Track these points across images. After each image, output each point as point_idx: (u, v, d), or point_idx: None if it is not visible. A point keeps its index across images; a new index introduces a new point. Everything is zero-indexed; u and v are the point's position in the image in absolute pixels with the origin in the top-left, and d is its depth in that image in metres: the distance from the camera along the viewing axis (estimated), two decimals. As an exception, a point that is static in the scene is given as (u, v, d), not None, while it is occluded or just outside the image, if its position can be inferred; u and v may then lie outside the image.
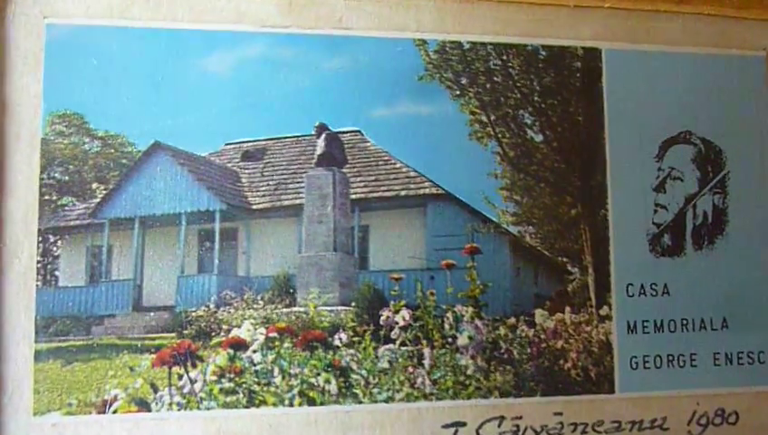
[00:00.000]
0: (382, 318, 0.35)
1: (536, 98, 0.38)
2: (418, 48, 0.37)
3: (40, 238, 0.33)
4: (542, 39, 0.38)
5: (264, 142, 0.35)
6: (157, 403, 0.33)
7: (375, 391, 0.35)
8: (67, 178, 0.34)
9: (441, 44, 0.37)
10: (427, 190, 0.36)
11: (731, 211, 0.39)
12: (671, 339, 0.38)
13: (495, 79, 0.38)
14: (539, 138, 0.38)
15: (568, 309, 0.37)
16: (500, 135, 0.37)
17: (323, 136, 0.35)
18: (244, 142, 0.35)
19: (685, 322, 0.38)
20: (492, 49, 0.38)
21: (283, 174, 0.35)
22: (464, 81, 0.37)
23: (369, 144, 0.36)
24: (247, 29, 0.35)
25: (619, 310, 0.38)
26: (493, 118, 0.37)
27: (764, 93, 0.41)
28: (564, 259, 0.37)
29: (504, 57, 0.38)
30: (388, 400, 0.35)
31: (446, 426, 0.36)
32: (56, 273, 0.33)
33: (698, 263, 0.39)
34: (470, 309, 0.36)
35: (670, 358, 0.38)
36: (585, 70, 0.38)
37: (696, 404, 0.38)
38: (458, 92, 0.37)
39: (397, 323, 0.36)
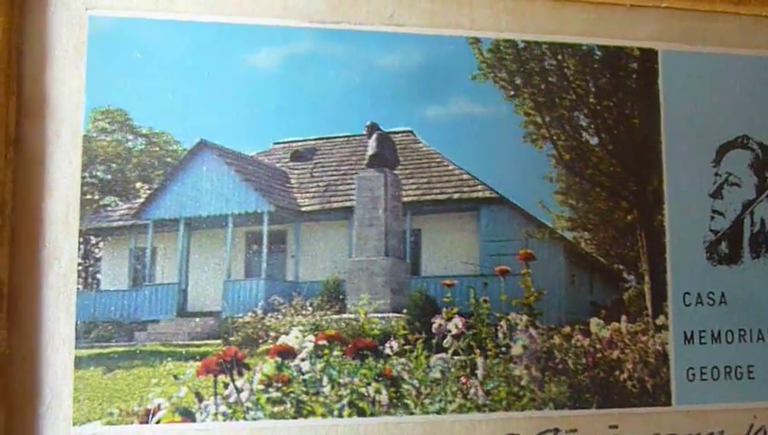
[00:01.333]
0: (434, 326, 0.34)
1: (591, 99, 0.37)
2: (472, 46, 0.36)
3: (81, 240, 0.31)
4: (597, 39, 0.37)
5: (313, 142, 0.34)
6: (201, 413, 0.32)
7: (427, 401, 0.33)
8: (110, 176, 0.32)
9: (495, 43, 0.36)
10: (480, 194, 0.35)
11: (790, 208, 0.39)
12: (729, 350, 0.37)
13: (550, 79, 0.36)
14: (594, 140, 0.37)
15: (624, 318, 0.36)
16: (555, 137, 0.36)
17: (374, 136, 0.34)
18: (293, 142, 0.34)
19: (742, 332, 0.37)
20: (547, 48, 0.36)
21: (333, 175, 0.34)
22: (518, 81, 0.36)
23: (421, 145, 0.35)
24: (296, 24, 0.34)
25: (675, 319, 0.36)
26: (548, 119, 0.36)
27: (821, 98, 0.40)
28: (620, 266, 0.36)
29: (560, 57, 0.37)
30: (440, 411, 0.34)
31: (499, 439, 0.34)
32: (98, 276, 0.32)
33: (756, 271, 0.38)
34: (524, 317, 0.35)
35: (728, 370, 0.37)
36: (641, 71, 0.37)
37: (754, 417, 0.37)
38: (513, 93, 0.36)
39: (449, 331, 0.34)
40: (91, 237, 0.32)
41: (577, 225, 0.36)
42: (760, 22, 0.39)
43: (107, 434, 0.31)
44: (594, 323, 0.36)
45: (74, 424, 0.31)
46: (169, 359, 0.32)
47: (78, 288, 0.31)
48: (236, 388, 0.32)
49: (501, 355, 0.35)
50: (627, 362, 0.36)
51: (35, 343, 0.31)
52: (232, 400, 0.32)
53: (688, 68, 0.38)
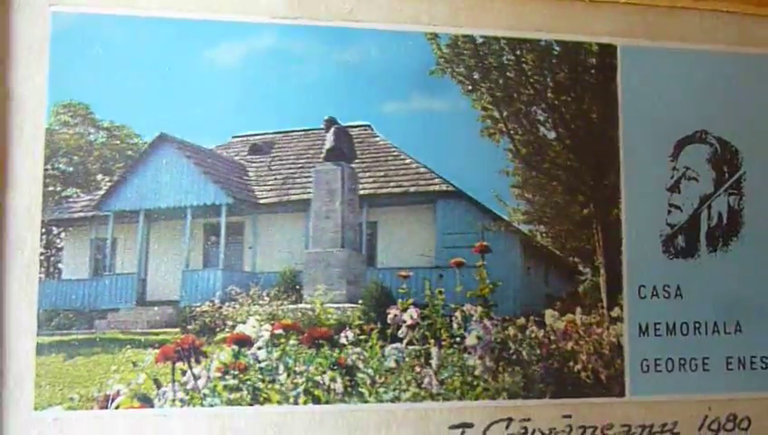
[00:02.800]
0: (389, 316, 0.35)
1: (549, 94, 0.37)
2: (430, 42, 0.36)
3: (43, 230, 0.32)
4: (556, 34, 0.38)
5: (272, 136, 0.35)
6: (160, 399, 0.33)
7: (381, 390, 0.34)
8: (71, 169, 0.33)
9: (453, 38, 0.36)
10: (436, 187, 0.36)
11: (746, 213, 0.39)
12: (683, 342, 0.37)
13: (508, 74, 0.37)
14: (552, 135, 0.37)
15: (579, 310, 0.37)
16: (512, 132, 0.37)
17: (332, 130, 0.35)
18: (251, 135, 0.35)
19: (697, 325, 0.38)
20: (505, 44, 0.37)
21: (290, 168, 0.35)
22: (476, 76, 0.37)
23: (378, 139, 0.35)
24: (256, 20, 0.35)
25: (630, 312, 0.37)
26: (505, 114, 0.37)
27: (782, 93, 0.40)
28: (576, 259, 0.37)
29: (518, 52, 0.37)
30: (395, 399, 0.34)
31: (453, 427, 0.35)
32: (59, 265, 0.33)
33: (712, 265, 0.38)
34: (479, 308, 0.36)
35: (682, 362, 0.37)
36: (600, 66, 0.38)
37: (708, 409, 0.38)
38: (470, 88, 0.36)
39: (404, 321, 0.35)
40: (54, 228, 0.33)
41: (533, 218, 0.37)
42: (720, 17, 0.39)
43: (67, 419, 0.32)
44: (549, 315, 0.36)
45: (36, 409, 0.32)
46: (129, 346, 0.33)
47: (40, 277, 0.32)
48: (194, 375, 0.33)
49: (455, 346, 0.35)
50: (581, 354, 0.36)
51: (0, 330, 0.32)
52: (189, 386, 0.33)
53: (648, 63, 0.38)
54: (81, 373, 0.32)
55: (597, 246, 0.37)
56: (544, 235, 0.37)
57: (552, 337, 0.36)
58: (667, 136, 0.38)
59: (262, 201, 0.34)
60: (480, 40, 0.37)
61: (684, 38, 0.39)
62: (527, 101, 0.37)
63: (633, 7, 0.38)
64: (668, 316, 0.37)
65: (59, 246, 0.33)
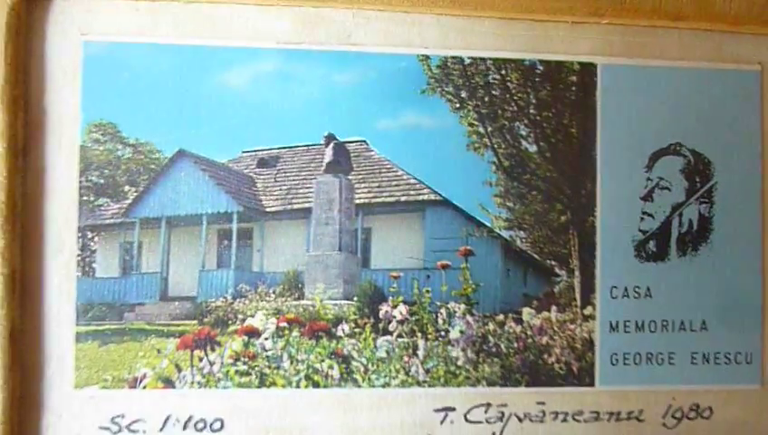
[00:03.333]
0: (381, 312, 0.39)
1: (532, 110, 0.40)
2: (422, 63, 0.39)
3: (79, 235, 0.37)
4: (539, 54, 0.40)
5: (277, 151, 0.39)
6: (180, 381, 0.38)
7: (373, 377, 0.39)
8: (102, 181, 0.38)
9: (443, 60, 0.40)
10: (425, 197, 0.40)
11: (716, 220, 0.42)
12: (651, 338, 0.41)
13: (494, 92, 0.40)
14: (533, 148, 0.40)
15: (554, 308, 0.40)
16: (496, 146, 0.40)
17: (331, 145, 0.39)
18: (259, 151, 0.39)
19: (665, 323, 0.41)
20: (491, 64, 0.40)
21: (294, 180, 0.39)
22: (463, 94, 0.40)
23: (373, 153, 0.39)
24: (263, 45, 0.39)
25: (602, 310, 0.41)
26: (489, 129, 0.40)
27: (757, 107, 0.42)
28: (552, 262, 0.40)
29: (503, 72, 0.40)
30: (385, 385, 0.39)
31: (437, 410, 0.40)
32: (94, 265, 0.38)
33: (681, 268, 0.41)
34: (462, 306, 0.40)
35: (649, 356, 0.41)
36: (580, 84, 0.41)
37: (672, 399, 0.41)
38: (458, 105, 0.40)
39: (394, 317, 0.39)
40: (88, 233, 0.38)
41: (513, 225, 0.40)
42: (698, 35, 0.42)
43: (102, 396, 0.38)
44: (526, 313, 0.40)
45: (75, 387, 0.38)
46: (153, 336, 0.38)
47: (77, 275, 0.37)
48: (209, 361, 0.38)
49: (440, 339, 0.39)
50: (555, 347, 0.40)
51: (43, 320, 0.37)
52: (206, 371, 0.38)
53: (627, 80, 0.41)
54: (114, 358, 0.38)
55: (572, 251, 0.40)
56: (524, 240, 0.40)
57: (529, 332, 0.40)
58: (642, 148, 0.41)
59: (268, 209, 0.39)
60: (468, 61, 0.40)
61: (662, 55, 0.42)
62: (510, 117, 0.40)
63: (613, 27, 0.41)
64: (638, 315, 0.41)
65: (93, 248, 0.37)
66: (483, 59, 0.40)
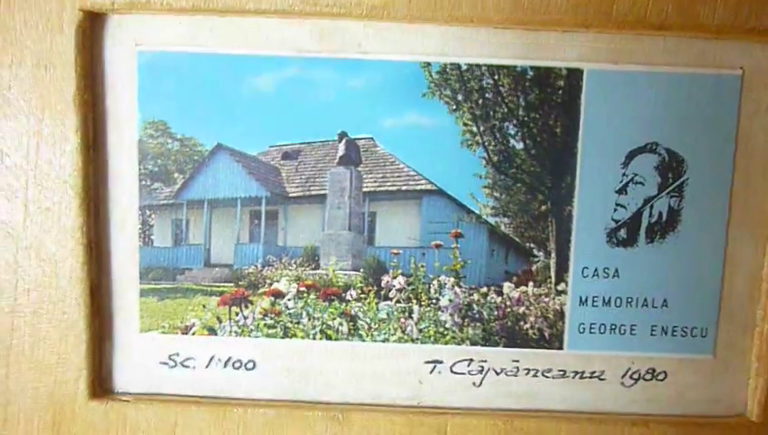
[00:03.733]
0: (383, 282, 0.47)
1: (521, 112, 0.45)
2: (423, 69, 0.45)
3: (140, 213, 0.46)
4: (530, 61, 0.45)
5: (298, 146, 0.46)
6: (221, 330, 0.47)
7: (375, 333, 0.47)
8: (156, 169, 0.46)
9: (442, 66, 0.45)
10: (423, 187, 0.46)
11: (685, 212, 0.46)
12: (616, 312, 0.47)
13: (487, 96, 0.45)
14: (520, 145, 0.46)
15: (531, 284, 0.47)
16: (486, 143, 0.46)
17: (343, 141, 0.45)
18: (283, 145, 0.46)
19: (629, 300, 0.47)
20: (486, 69, 0.45)
21: (312, 171, 0.46)
22: (459, 97, 0.45)
23: (379, 149, 0.46)
24: (286, 54, 0.45)
25: (573, 287, 0.47)
26: (482, 129, 0.45)
27: (735, 109, 0.46)
28: (531, 245, 0.47)
29: (496, 77, 0.45)
30: (385, 340, 0.47)
31: (427, 362, 0.48)
32: (152, 237, 0.47)
33: (648, 253, 0.47)
34: (451, 279, 0.47)
35: (613, 327, 0.47)
36: (567, 88, 0.45)
37: (632, 363, 0.48)
38: (454, 107, 0.45)
39: (394, 286, 0.47)
40: (147, 211, 0.46)
41: (499, 212, 0.46)
42: (683, 42, 0.45)
43: (162, 339, 0.48)
44: (506, 286, 0.47)
45: (140, 331, 0.48)
46: (199, 294, 0.47)
47: (139, 245, 0.47)
48: (243, 316, 0.47)
49: (431, 305, 0.47)
50: (530, 316, 0.47)
51: (114, 280, 0.47)
52: (240, 323, 0.47)
53: (610, 84, 0.45)
54: (169, 310, 0.47)
55: (550, 236, 0.47)
56: (507, 225, 0.46)
57: (508, 303, 0.47)
58: (620, 147, 0.46)
59: (291, 195, 0.46)
60: (465, 67, 0.45)
61: (647, 61, 0.45)
62: (501, 118, 0.46)
63: (601, 35, 0.45)
64: (605, 292, 0.47)
65: (151, 223, 0.46)
66: (478, 65, 0.45)
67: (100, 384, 0.47)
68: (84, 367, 0.46)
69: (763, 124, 0.45)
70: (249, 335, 0.47)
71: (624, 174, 0.46)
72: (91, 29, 0.44)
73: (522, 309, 0.47)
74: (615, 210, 0.46)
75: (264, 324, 0.47)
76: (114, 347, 0.47)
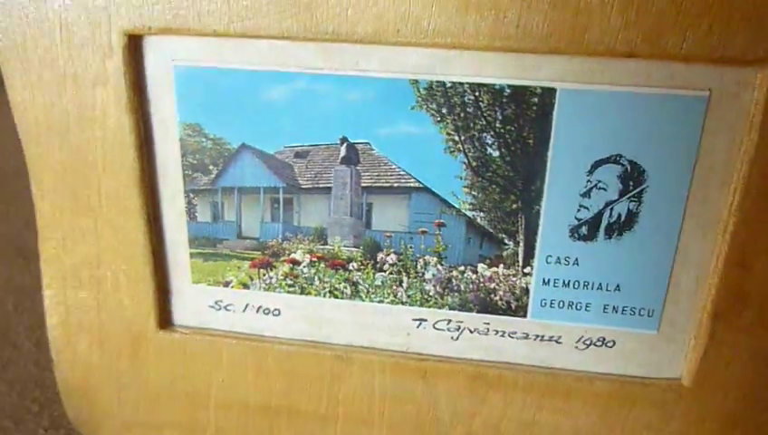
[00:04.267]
0: (378, 257, 0.57)
1: (497, 125, 0.51)
2: (412, 86, 0.51)
3: (185, 196, 0.57)
4: (507, 80, 0.50)
5: (308, 147, 0.54)
6: (252, 286, 0.60)
7: (372, 296, 0.58)
8: (195, 162, 0.56)
9: (429, 83, 0.51)
10: (411, 184, 0.54)
11: (642, 215, 0.52)
12: (574, 293, 0.55)
13: (468, 110, 0.51)
14: (496, 153, 0.52)
15: (501, 266, 0.56)
16: (467, 151, 0.52)
17: (345, 145, 0.53)
18: (295, 147, 0.54)
19: (586, 283, 0.55)
20: (467, 87, 0.51)
21: (319, 168, 0.55)
22: (444, 110, 0.51)
23: (374, 152, 0.53)
24: (296, 70, 0.52)
25: (537, 271, 0.55)
26: (463, 138, 0.52)
27: (699, 127, 0.49)
28: (503, 236, 0.55)
29: (477, 93, 0.51)
30: (380, 301, 0.58)
31: (414, 319, 0.59)
32: (196, 214, 0.58)
33: (605, 247, 0.54)
34: (435, 259, 0.56)
35: (570, 304, 0.56)
36: (540, 104, 0.50)
37: (585, 332, 0.57)
38: (439, 119, 0.52)
39: (387, 261, 0.57)
40: (191, 194, 0.57)
41: (476, 208, 0.54)
42: (652, 64, 0.48)
43: (208, 289, 0.61)
44: (480, 267, 0.56)
45: (192, 283, 0.61)
46: (234, 259, 0.59)
47: (187, 220, 0.58)
48: (269, 277, 0.59)
49: (418, 277, 0.57)
50: (500, 291, 0.56)
51: (169, 246, 0.60)
52: (267, 282, 0.59)
53: (581, 102, 0.50)
54: (212, 269, 0.60)
55: (519, 229, 0.54)
56: (482, 219, 0.54)
57: (481, 279, 0.56)
58: (587, 157, 0.51)
59: (302, 187, 0.56)
60: (449, 84, 0.51)
61: (616, 82, 0.49)
62: (480, 129, 0.52)
63: (576, 57, 0.49)
64: (566, 276, 0.55)
65: (194, 204, 0.57)
66: (461, 83, 0.51)
67: (164, 320, 0.62)
68: (152, 308, 0.60)
69: (725, 141, 0.49)
70: (274, 291, 0.60)
71: (589, 180, 0.52)
72: (135, 48, 0.53)
73: (493, 285, 0.56)
74: (578, 210, 0.53)
75: (286, 283, 0.59)
76: (173, 294, 0.61)
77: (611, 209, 0.53)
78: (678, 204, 0.52)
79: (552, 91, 0.50)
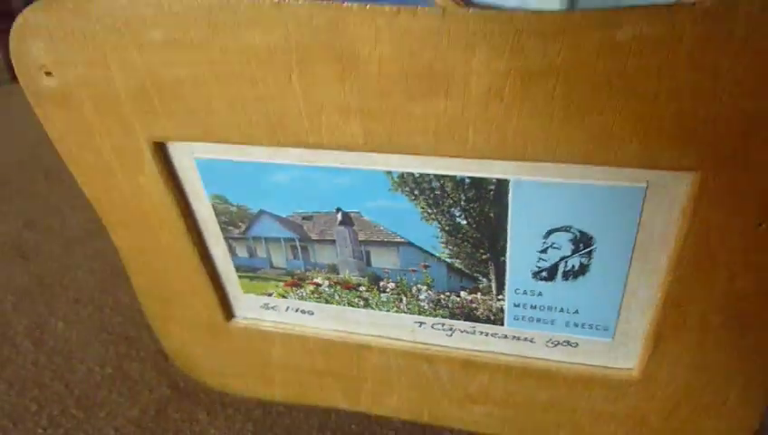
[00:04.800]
0: (380, 284, 0.70)
1: (462, 203, 0.59)
2: (387, 175, 0.60)
3: (225, 241, 0.71)
4: (466, 173, 0.57)
5: (311, 213, 0.66)
6: (288, 297, 0.76)
7: (381, 307, 0.73)
8: (228, 220, 0.70)
9: (401, 174, 0.59)
10: (398, 240, 0.65)
11: (592, 265, 0.61)
12: (541, 313, 0.67)
13: (436, 192, 0.59)
14: (464, 222, 0.61)
15: (479, 293, 0.67)
16: (439, 220, 0.61)
17: (340, 213, 0.64)
18: (302, 212, 0.66)
19: (550, 307, 0.66)
20: (433, 177, 0.58)
21: (323, 227, 0.66)
22: (416, 192, 0.60)
23: (365, 218, 0.64)
24: (294, 163, 0.62)
25: (509, 298, 0.66)
26: (435, 211, 0.61)
27: (639, 208, 0.55)
28: (478, 275, 0.66)
29: (441, 181, 0.58)
30: (387, 311, 0.73)
31: (415, 322, 0.74)
32: (236, 252, 0.73)
33: (564, 285, 0.63)
34: (425, 287, 0.69)
35: (538, 319, 0.68)
36: (497, 190, 0.57)
37: (552, 336, 0.69)
38: (413, 198, 0.61)
39: (388, 287, 0.70)
40: (230, 240, 0.72)
41: (453, 256, 0.64)
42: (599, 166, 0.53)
43: (257, 298, 0.78)
44: (462, 293, 0.68)
45: (243, 293, 0.78)
46: (272, 280, 0.75)
47: (230, 256, 0.73)
48: (300, 292, 0.75)
49: (414, 297, 0.70)
50: (480, 309, 0.69)
51: (222, 272, 0.76)
52: (298, 296, 0.75)
53: (533, 189, 0.56)
54: (256, 286, 0.76)
55: (491, 271, 0.65)
56: (460, 263, 0.65)
57: (464, 302, 0.68)
58: (542, 226, 0.59)
59: (313, 238, 0.68)
60: (417, 175, 0.59)
61: (563, 175, 0.55)
62: (448, 205, 0.60)
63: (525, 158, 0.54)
64: (533, 302, 0.66)
65: (233, 246, 0.72)
66: (427, 174, 0.58)
67: (229, 314, 0.81)
68: (217, 307, 0.79)
69: (662, 219, 0.56)
70: (305, 301, 0.76)
71: (544, 242, 0.61)
72: (161, 149, 0.64)
73: (474, 305, 0.69)
74: (538, 261, 0.62)
75: (314, 297, 0.75)
76: (232, 298, 0.79)
77: (566, 262, 0.62)
78: (624, 260, 0.60)
79: (505, 181, 0.57)
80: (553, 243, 0.60)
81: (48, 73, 0.60)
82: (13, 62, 0.58)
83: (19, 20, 0.57)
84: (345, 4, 0.49)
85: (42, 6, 0.55)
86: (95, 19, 0.54)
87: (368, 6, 0.48)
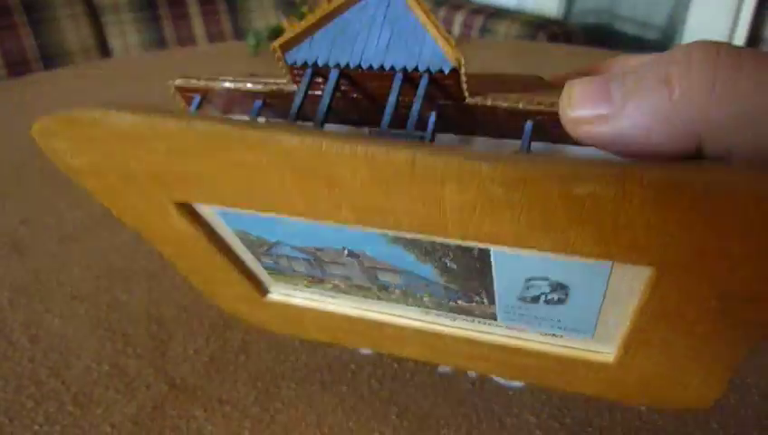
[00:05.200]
0: (389, 289, 0.80)
1: (450, 255, 0.66)
2: (382, 234, 0.66)
3: (253, 257, 0.81)
4: (452, 242, 0.63)
5: (321, 247, 0.74)
6: (312, 288, 0.87)
7: (390, 305, 0.83)
8: (250, 244, 0.79)
9: (394, 236, 0.66)
10: (399, 269, 0.74)
11: (570, 300, 0.68)
12: (528, 319, 0.76)
13: (427, 248, 0.66)
14: (455, 267, 0.68)
15: (474, 302, 0.77)
16: (433, 264, 0.69)
17: (346, 251, 0.73)
18: (312, 246, 0.75)
19: (536, 317, 0.75)
20: (422, 239, 0.65)
21: (333, 256, 0.75)
22: (410, 246, 0.67)
23: (369, 255, 0.72)
24: (296, 219, 0.69)
25: (500, 310, 0.76)
26: (428, 258, 0.68)
27: (607, 274, 0.61)
28: (472, 295, 0.74)
29: (431, 242, 0.65)
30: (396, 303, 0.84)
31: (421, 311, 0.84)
32: (263, 260, 0.83)
33: (547, 307, 0.72)
34: (427, 296, 0.78)
35: (528, 322, 0.77)
36: (479, 253, 0.64)
37: (541, 332, 0.79)
38: (408, 249, 0.68)
39: (395, 292, 0.80)
40: (259, 256, 0.82)
41: (449, 283, 0.73)
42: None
43: (284, 284, 0.89)
44: (460, 302, 0.77)
45: (273, 283, 0.89)
46: (296, 278, 0.85)
47: (257, 263, 0.83)
48: (321, 288, 0.86)
49: (418, 299, 0.80)
50: (475, 312, 0.79)
51: (252, 268, 0.86)
52: (321, 288, 0.86)
53: (512, 254, 0.62)
54: (283, 279, 0.87)
55: (483, 294, 0.73)
56: (455, 287, 0.74)
57: (462, 308, 0.78)
58: (521, 276, 0.66)
59: (326, 261, 0.78)
60: (409, 237, 0.65)
61: (539, 249, 0.60)
62: (439, 256, 0.67)
63: (501, 239, 0.60)
64: (522, 313, 0.75)
65: (260, 258, 0.83)
66: (418, 239, 0.65)
67: (264, 292, 0.93)
68: (251, 288, 0.92)
69: (628, 284, 0.62)
70: (328, 292, 0.87)
71: (526, 283, 0.68)
72: (183, 205, 0.72)
73: (470, 308, 0.79)
74: (522, 293, 0.71)
75: (334, 291, 0.86)
76: (264, 283, 0.91)
77: (545, 295, 0.69)
78: (597, 300, 0.67)
79: (486, 249, 0.63)
80: (533, 285, 0.68)
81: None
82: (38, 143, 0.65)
83: (35, 127, 0.62)
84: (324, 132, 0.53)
85: (56, 120, 0.60)
86: (107, 131, 0.59)
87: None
